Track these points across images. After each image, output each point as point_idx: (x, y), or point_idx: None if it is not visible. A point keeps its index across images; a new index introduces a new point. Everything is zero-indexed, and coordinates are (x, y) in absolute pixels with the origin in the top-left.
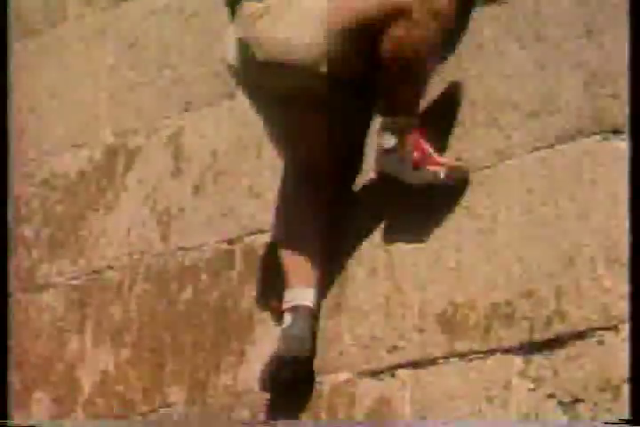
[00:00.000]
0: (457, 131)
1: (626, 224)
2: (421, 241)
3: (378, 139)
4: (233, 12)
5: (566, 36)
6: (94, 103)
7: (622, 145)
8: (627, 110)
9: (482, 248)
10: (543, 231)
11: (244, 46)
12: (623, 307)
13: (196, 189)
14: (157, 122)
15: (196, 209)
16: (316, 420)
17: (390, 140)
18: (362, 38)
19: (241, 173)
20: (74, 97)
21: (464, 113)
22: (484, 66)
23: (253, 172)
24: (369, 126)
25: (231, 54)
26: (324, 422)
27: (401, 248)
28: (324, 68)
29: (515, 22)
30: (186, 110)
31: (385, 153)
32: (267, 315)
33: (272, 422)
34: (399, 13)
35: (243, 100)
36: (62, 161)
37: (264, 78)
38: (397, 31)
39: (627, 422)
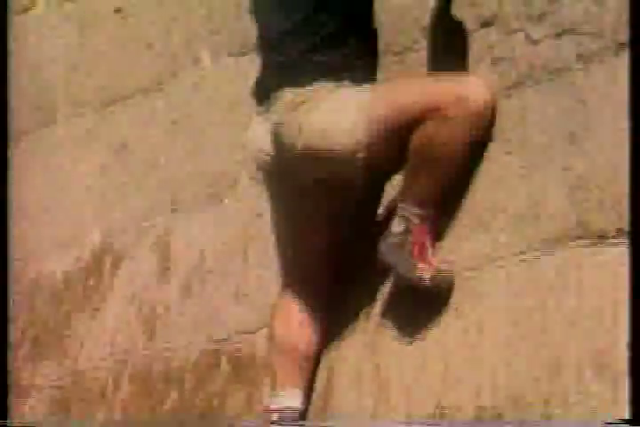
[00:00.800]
0: (444, 233)
1: (624, 327)
2: (408, 343)
3: (391, 223)
4: (262, 100)
5: (552, 142)
6: (83, 204)
7: (608, 251)
8: (626, 215)
9: (469, 352)
10: (530, 336)
11: (280, 133)
12: (610, 413)
13: (183, 290)
14: (145, 223)
15: (182, 310)
16: None
17: (399, 227)
18: (398, 130)
19: (227, 275)
20: (62, 198)
21: (452, 216)
22: (472, 170)
23: (240, 273)
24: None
25: (260, 142)
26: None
27: (387, 350)
28: (360, 156)
29: (502, 128)
30: (174, 212)
31: (390, 238)
32: (254, 417)
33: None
34: (435, 110)
35: (230, 203)
36: (49, 262)
37: (299, 165)
38: (430, 127)
39: (627, 422)
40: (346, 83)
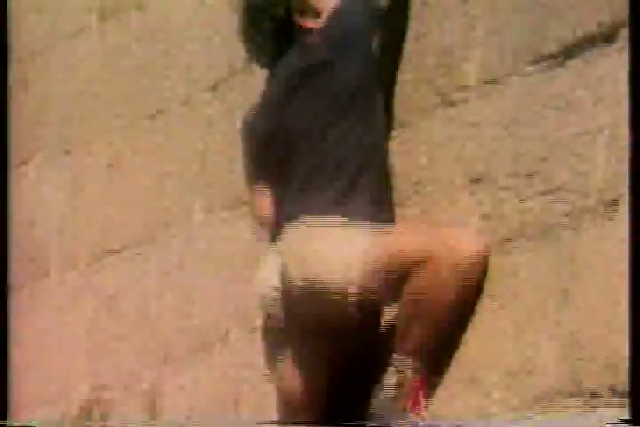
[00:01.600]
0: (436, 388)
1: None
2: None
3: (384, 375)
4: (276, 235)
5: (543, 298)
6: (72, 358)
7: (602, 409)
8: (626, 373)
9: None
10: None
11: (286, 261)
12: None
13: None
14: (134, 376)
15: None
16: None
17: (392, 378)
18: (391, 275)
19: None
20: (52, 352)
21: (443, 370)
22: (463, 325)
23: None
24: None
25: (270, 277)
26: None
27: None
28: (353, 292)
29: (493, 283)
30: (163, 365)
31: (383, 390)
32: None
33: None
34: (427, 261)
35: (221, 356)
36: (36, 418)
37: (300, 299)
38: (422, 278)
39: (627, 422)
40: (357, 221)
